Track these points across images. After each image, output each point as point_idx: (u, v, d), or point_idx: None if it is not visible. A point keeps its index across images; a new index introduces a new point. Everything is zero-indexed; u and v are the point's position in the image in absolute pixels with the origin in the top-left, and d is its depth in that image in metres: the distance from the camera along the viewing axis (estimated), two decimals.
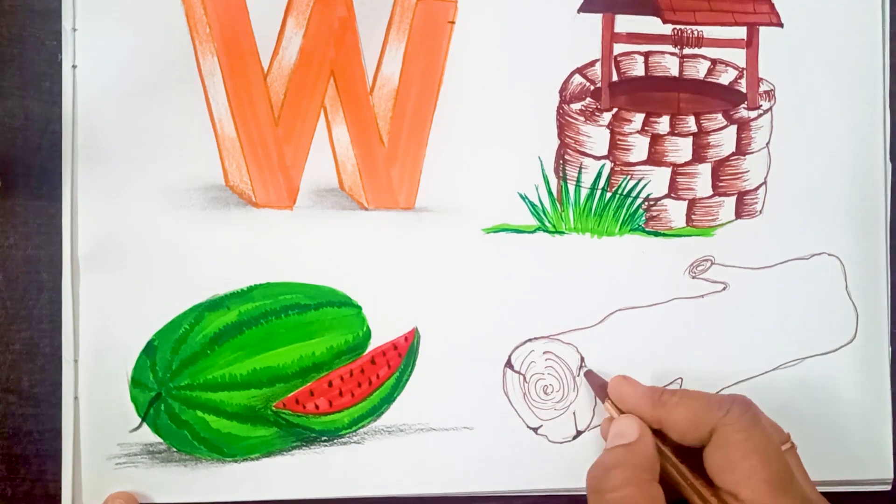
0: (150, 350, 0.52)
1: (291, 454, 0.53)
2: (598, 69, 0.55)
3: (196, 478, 0.53)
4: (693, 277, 0.56)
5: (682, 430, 0.48)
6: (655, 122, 0.55)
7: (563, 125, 0.55)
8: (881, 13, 0.56)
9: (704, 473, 0.47)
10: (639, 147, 0.55)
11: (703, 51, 0.56)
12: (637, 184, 0.56)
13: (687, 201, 0.56)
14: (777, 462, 0.46)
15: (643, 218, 0.56)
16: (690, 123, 0.56)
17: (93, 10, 0.52)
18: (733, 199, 0.56)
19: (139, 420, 0.52)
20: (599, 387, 0.53)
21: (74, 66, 0.52)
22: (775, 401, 0.55)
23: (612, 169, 0.55)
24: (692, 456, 0.48)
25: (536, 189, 0.55)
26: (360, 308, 0.54)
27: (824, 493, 0.48)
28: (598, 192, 0.55)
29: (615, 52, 0.56)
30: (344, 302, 0.54)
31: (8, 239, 0.53)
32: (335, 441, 0.54)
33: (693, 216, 0.56)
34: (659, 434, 0.49)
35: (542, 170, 0.55)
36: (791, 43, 0.56)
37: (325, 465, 0.53)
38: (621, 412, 0.51)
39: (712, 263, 0.56)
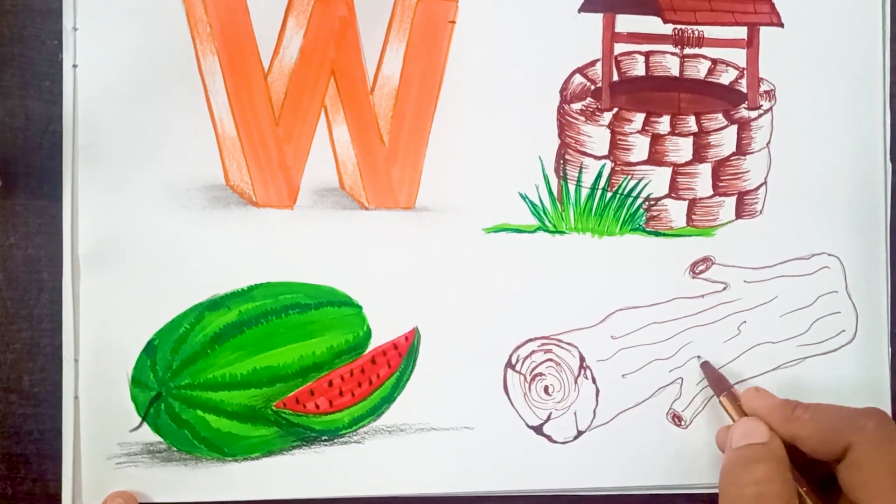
0: (150, 349, 0.52)
1: (292, 454, 0.53)
2: (598, 69, 0.55)
3: (196, 477, 0.53)
4: (693, 277, 0.56)
5: (814, 446, 0.47)
6: (656, 122, 0.56)
7: (564, 125, 0.55)
8: (881, 13, 0.56)
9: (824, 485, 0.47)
10: (639, 147, 0.56)
11: (704, 51, 0.56)
12: (637, 184, 0.56)
13: (687, 201, 0.56)
14: None
15: (644, 218, 0.56)
16: (691, 123, 0.56)
17: (93, 10, 0.52)
18: (734, 199, 0.56)
19: (139, 419, 0.52)
20: (715, 381, 0.53)
21: (75, 66, 0.52)
22: None
23: (612, 169, 0.55)
24: (817, 469, 0.48)
25: (537, 189, 0.55)
26: (360, 308, 0.54)
27: None
28: (599, 192, 0.55)
29: (616, 52, 0.56)
30: (344, 301, 0.54)
31: (8, 238, 0.53)
32: (335, 441, 0.54)
33: (693, 216, 0.56)
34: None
35: (543, 169, 0.55)
36: (791, 43, 0.56)
37: (325, 464, 0.53)
38: (741, 412, 0.51)
39: (713, 263, 0.56)
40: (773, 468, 0.46)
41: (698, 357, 0.55)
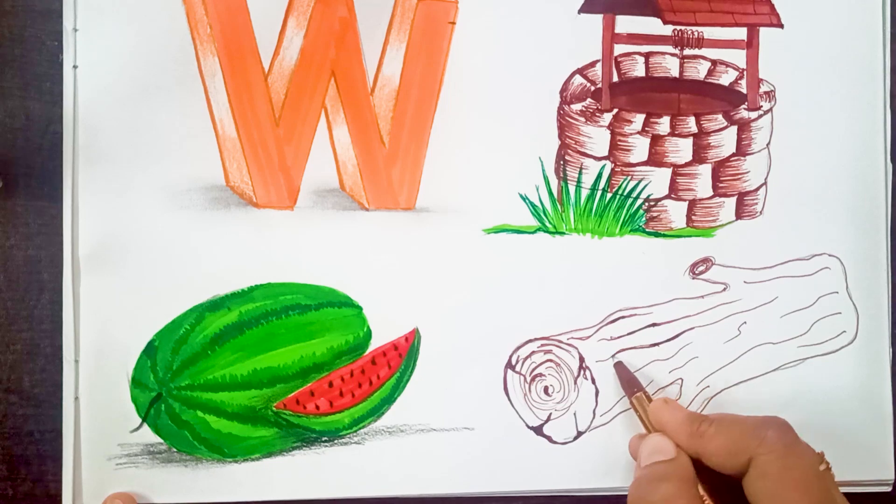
0: (150, 350, 0.52)
1: (292, 454, 0.53)
2: (598, 70, 0.55)
3: (196, 478, 0.53)
4: (693, 278, 0.56)
5: (720, 461, 0.47)
6: (656, 123, 0.56)
7: (564, 126, 0.55)
8: (881, 14, 0.56)
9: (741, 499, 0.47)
10: (639, 148, 0.56)
11: (704, 51, 0.56)
12: (637, 184, 0.56)
13: (687, 202, 0.56)
14: (817, 490, 0.45)
15: (643, 218, 0.56)
16: (691, 124, 0.56)
17: (94, 11, 0.52)
18: (734, 199, 0.56)
19: (140, 420, 0.52)
20: (627, 381, 0.53)
21: (75, 67, 0.52)
22: (776, 402, 0.55)
23: (612, 169, 0.55)
24: (727, 484, 0.48)
25: (537, 189, 0.55)
26: (360, 308, 0.54)
27: None
28: (599, 193, 0.55)
29: (616, 53, 0.56)
30: (344, 302, 0.54)
31: (9, 239, 0.53)
32: (336, 441, 0.54)
33: (693, 217, 0.56)
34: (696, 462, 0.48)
35: (543, 170, 0.55)
36: (791, 44, 0.56)
37: (325, 465, 0.53)
38: (646, 421, 0.51)
39: (713, 264, 0.56)
40: (679, 486, 0.46)
41: (613, 356, 0.55)
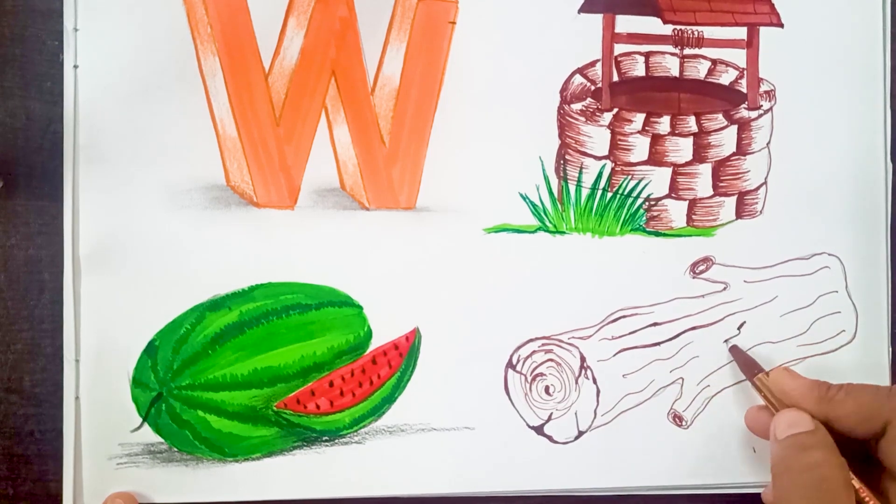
0: (151, 350, 0.52)
1: (292, 454, 0.53)
2: (598, 69, 0.55)
3: (197, 478, 0.53)
4: (694, 277, 0.56)
5: (852, 425, 0.47)
6: (656, 123, 0.56)
7: (564, 125, 0.55)
8: (882, 13, 0.56)
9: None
10: (639, 147, 0.56)
11: (704, 51, 0.56)
12: (638, 184, 0.56)
13: (687, 201, 0.56)
14: None
15: (644, 218, 0.56)
16: (691, 123, 0.56)
17: (94, 10, 0.52)
18: (734, 199, 0.56)
19: (140, 420, 0.52)
20: (745, 364, 0.53)
21: (76, 66, 0.52)
22: None
23: (612, 169, 0.56)
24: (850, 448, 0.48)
25: (537, 189, 0.55)
26: (361, 308, 0.54)
27: None
28: (599, 192, 0.55)
29: (616, 53, 0.56)
30: (345, 302, 0.54)
31: (9, 239, 0.53)
32: (336, 441, 0.54)
33: (694, 216, 0.56)
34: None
35: (543, 170, 0.55)
36: (791, 43, 0.56)
37: (326, 465, 0.53)
38: (772, 399, 0.51)
39: (713, 263, 0.56)
40: (826, 453, 0.46)
41: (726, 342, 0.55)
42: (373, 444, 0.54)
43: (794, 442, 0.47)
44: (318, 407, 0.53)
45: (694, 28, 0.56)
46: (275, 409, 0.53)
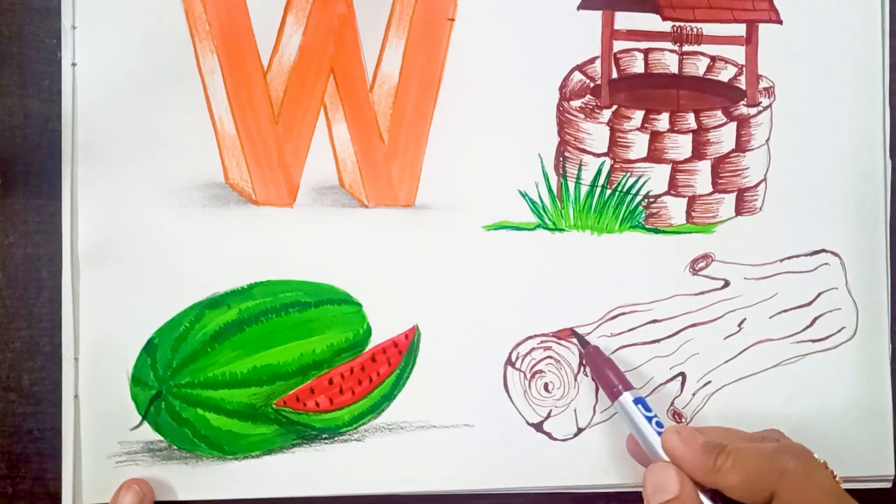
0: (150, 348, 0.52)
1: (292, 452, 0.53)
2: (597, 66, 0.55)
3: (197, 476, 0.53)
4: (693, 274, 0.56)
5: (741, 495, 0.46)
6: (655, 119, 0.56)
7: (563, 122, 0.55)
8: (881, 10, 0.56)
9: None
10: (639, 144, 0.56)
11: (703, 48, 0.56)
12: (637, 181, 0.56)
13: (687, 198, 0.56)
14: None
15: (643, 215, 0.56)
16: (690, 120, 0.56)
17: (92, 8, 0.52)
18: (733, 195, 0.56)
19: (140, 418, 0.52)
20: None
21: (74, 64, 0.52)
22: (776, 398, 0.55)
23: (612, 166, 0.55)
24: None
25: (536, 186, 0.55)
26: (360, 305, 0.54)
27: None
28: (598, 190, 0.55)
29: (615, 49, 0.56)
30: (344, 299, 0.54)
31: (8, 237, 0.53)
32: (336, 439, 0.54)
33: (693, 213, 0.56)
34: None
35: (542, 167, 0.55)
36: (790, 40, 0.56)
37: (325, 462, 0.53)
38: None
39: (712, 260, 0.56)
40: None
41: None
42: (372, 441, 0.54)
43: None
44: (317, 405, 0.53)
45: (693, 25, 0.56)
46: (274, 406, 0.53)
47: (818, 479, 0.46)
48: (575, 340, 0.54)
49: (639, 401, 0.51)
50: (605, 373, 0.52)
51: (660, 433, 0.49)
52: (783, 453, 0.46)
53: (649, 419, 0.50)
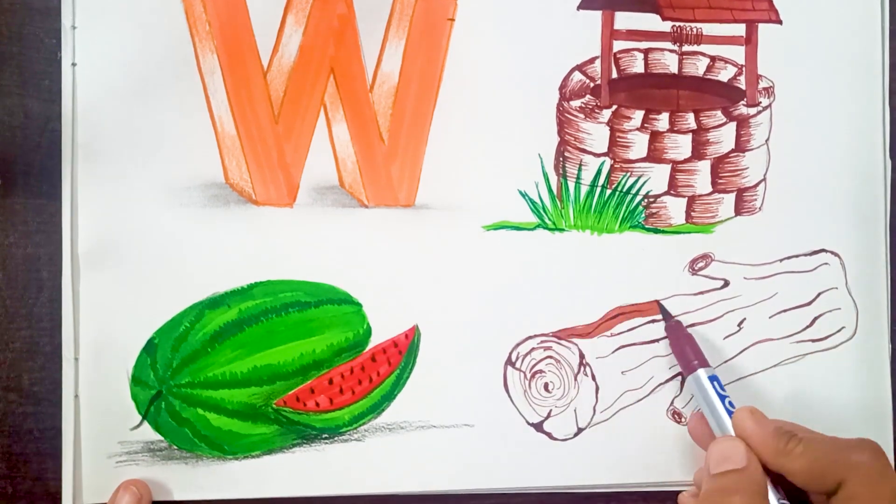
0: (150, 348, 0.52)
1: (292, 452, 0.53)
2: (597, 66, 0.55)
3: (197, 475, 0.53)
4: (693, 274, 0.56)
5: (806, 480, 0.46)
6: (655, 119, 0.56)
7: (563, 122, 0.55)
8: (881, 10, 0.56)
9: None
10: (638, 144, 0.56)
11: (703, 48, 0.56)
12: (637, 181, 0.56)
13: (686, 198, 0.56)
14: None
15: (643, 215, 0.56)
16: (690, 120, 0.56)
17: (92, 8, 0.52)
18: (733, 195, 0.56)
19: (140, 418, 0.52)
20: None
21: (74, 64, 0.52)
22: (775, 398, 0.55)
23: (611, 166, 0.55)
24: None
25: (536, 186, 0.55)
26: (360, 305, 0.54)
27: None
28: (598, 190, 0.55)
29: (615, 49, 0.56)
30: (344, 299, 0.54)
31: (8, 237, 0.53)
32: (336, 438, 0.54)
33: (693, 213, 0.56)
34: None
35: (542, 167, 0.55)
36: (790, 40, 0.56)
37: (325, 462, 0.53)
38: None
39: (712, 260, 0.56)
40: (751, 501, 0.45)
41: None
42: (372, 441, 0.54)
43: (721, 485, 0.46)
44: (317, 404, 0.53)
45: (693, 25, 0.56)
46: (274, 406, 0.53)
47: (890, 477, 0.46)
48: (660, 314, 0.54)
49: (713, 378, 0.51)
50: (683, 347, 0.53)
51: (731, 413, 0.50)
52: (858, 446, 0.47)
53: (722, 398, 0.51)
